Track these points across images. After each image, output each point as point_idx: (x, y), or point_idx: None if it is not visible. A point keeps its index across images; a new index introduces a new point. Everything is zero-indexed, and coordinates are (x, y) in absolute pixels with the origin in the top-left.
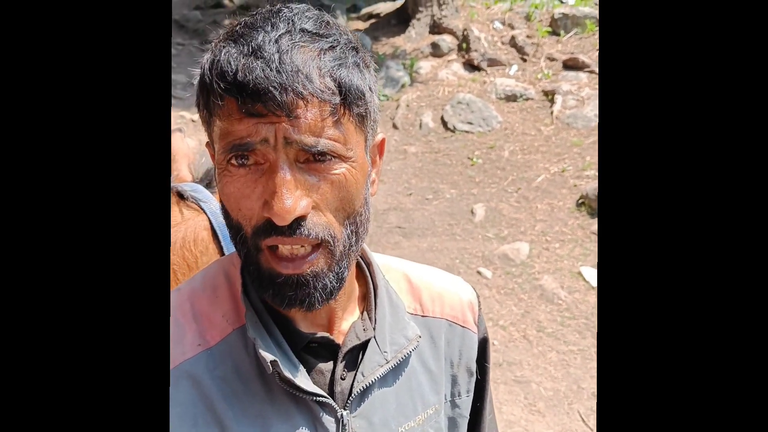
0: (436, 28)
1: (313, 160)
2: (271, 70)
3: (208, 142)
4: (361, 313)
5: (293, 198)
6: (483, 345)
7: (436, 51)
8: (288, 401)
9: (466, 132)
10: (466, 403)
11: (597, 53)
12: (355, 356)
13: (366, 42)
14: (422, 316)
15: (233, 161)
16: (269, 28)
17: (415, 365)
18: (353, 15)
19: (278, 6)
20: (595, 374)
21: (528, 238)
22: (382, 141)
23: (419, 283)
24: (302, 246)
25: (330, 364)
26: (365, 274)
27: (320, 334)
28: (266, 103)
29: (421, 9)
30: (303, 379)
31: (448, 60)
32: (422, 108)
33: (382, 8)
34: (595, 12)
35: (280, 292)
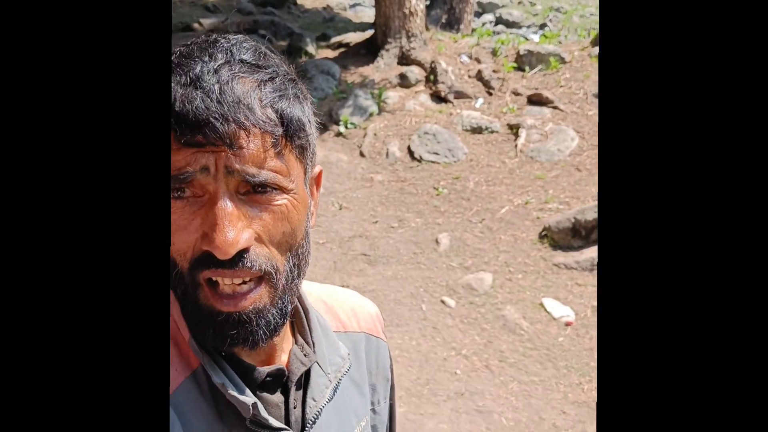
0: (404, 60)
1: (253, 191)
2: (211, 100)
3: None
4: (294, 338)
5: (235, 230)
6: (389, 352)
7: (404, 82)
8: None
9: (433, 162)
10: (384, 408)
11: (560, 89)
12: (299, 383)
13: (335, 70)
14: (344, 332)
15: (174, 195)
16: (207, 58)
17: (345, 382)
18: (323, 43)
19: (214, 36)
20: (556, 406)
21: (491, 269)
22: (320, 173)
23: (333, 302)
24: (244, 281)
25: (279, 395)
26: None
27: (272, 367)
28: (206, 134)
29: (390, 40)
30: (270, 418)
31: (416, 91)
32: (389, 137)
33: (352, 38)
34: (559, 50)
35: (222, 331)
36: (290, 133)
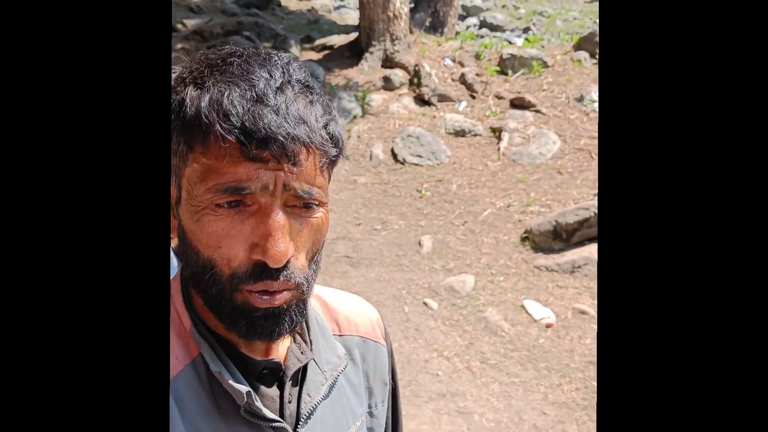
0: (388, 63)
1: (300, 205)
2: (279, 117)
3: None
4: (293, 336)
5: (286, 242)
6: (391, 357)
7: (387, 84)
8: (246, 430)
9: (416, 165)
10: (382, 412)
11: (543, 93)
12: (296, 379)
13: (319, 73)
14: (340, 335)
15: (223, 203)
16: (266, 74)
17: (341, 381)
18: (307, 45)
19: (263, 50)
20: (536, 406)
21: (473, 271)
22: None
23: (333, 304)
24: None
25: (275, 389)
26: None
27: (270, 360)
28: (273, 150)
29: (374, 43)
30: (264, 408)
31: (400, 94)
32: (373, 140)
33: (336, 40)
34: (542, 54)
35: (255, 324)
36: (341, 152)
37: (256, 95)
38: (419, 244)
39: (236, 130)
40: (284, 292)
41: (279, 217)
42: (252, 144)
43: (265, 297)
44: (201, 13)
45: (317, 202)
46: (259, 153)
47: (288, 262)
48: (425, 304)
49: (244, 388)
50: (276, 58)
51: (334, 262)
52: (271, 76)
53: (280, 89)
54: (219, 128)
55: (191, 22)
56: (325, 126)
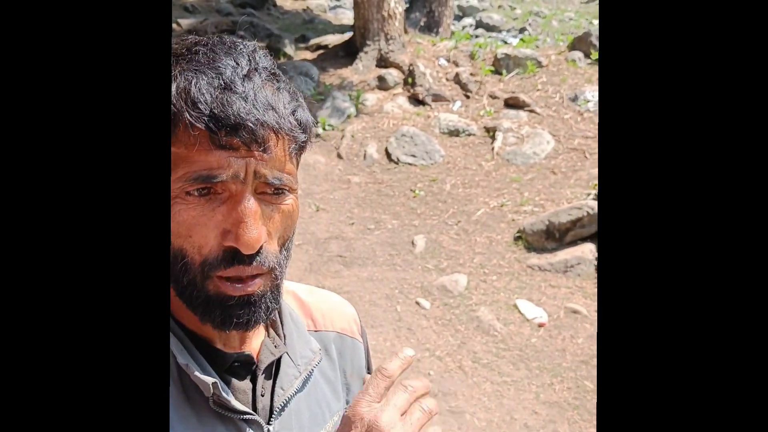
0: (382, 62)
1: (270, 192)
2: (248, 104)
3: None
4: (267, 330)
5: (258, 228)
6: (367, 353)
7: (382, 84)
8: (217, 423)
9: (410, 164)
10: None
11: (537, 93)
12: (269, 372)
13: (313, 72)
14: (315, 330)
15: (193, 192)
16: (232, 62)
17: (317, 376)
18: (302, 45)
19: (227, 39)
20: (528, 406)
21: (466, 270)
22: None
23: (308, 300)
24: None
25: (248, 382)
26: None
27: (241, 353)
28: (243, 137)
29: (368, 43)
30: (233, 400)
31: (394, 93)
32: (367, 139)
33: (331, 40)
34: (536, 54)
35: (229, 313)
36: (309, 138)
37: (224, 83)
38: (412, 243)
39: (205, 118)
40: (257, 279)
41: (250, 204)
42: (222, 131)
43: (238, 285)
44: (196, 13)
45: (288, 188)
46: (229, 140)
47: (261, 247)
48: (418, 303)
49: (210, 380)
50: (241, 46)
51: (327, 262)
52: (237, 63)
53: (247, 76)
54: (188, 116)
55: (186, 22)
56: (293, 112)
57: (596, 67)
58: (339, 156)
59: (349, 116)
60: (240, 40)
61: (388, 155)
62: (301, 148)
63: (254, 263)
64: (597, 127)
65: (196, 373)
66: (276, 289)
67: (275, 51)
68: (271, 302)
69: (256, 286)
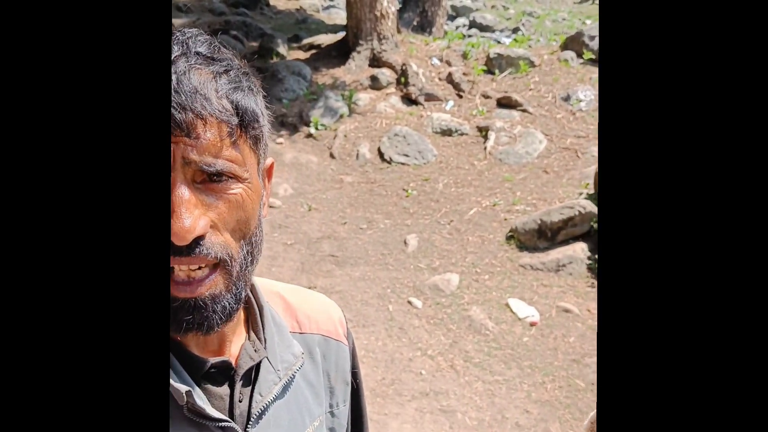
0: (375, 62)
1: (209, 180)
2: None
3: None
4: (248, 334)
5: (192, 217)
6: (353, 356)
7: (375, 84)
8: (193, 430)
9: (402, 164)
10: (343, 412)
11: (529, 93)
12: (248, 378)
13: (306, 72)
14: (300, 333)
15: None
16: None
17: (298, 380)
18: (294, 45)
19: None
20: (519, 405)
21: (458, 270)
22: (272, 165)
23: (293, 302)
24: (199, 267)
25: (225, 388)
26: (248, 295)
27: (218, 358)
28: None
29: (361, 42)
30: (208, 407)
31: (387, 93)
32: (360, 139)
33: (323, 39)
34: (529, 53)
35: (177, 317)
36: (245, 123)
37: None
38: (405, 243)
39: None
40: (206, 280)
41: (181, 192)
42: None
43: (183, 287)
44: (189, 13)
45: (230, 176)
46: None
47: (201, 237)
48: (410, 302)
49: (183, 388)
50: (179, 33)
51: (319, 261)
52: None
53: (172, 62)
54: None
55: (179, 22)
56: (227, 96)
57: (588, 67)
58: (331, 156)
59: (341, 116)
60: (183, 29)
61: (381, 155)
62: (253, 137)
63: (194, 254)
64: (589, 126)
65: (170, 381)
66: (235, 287)
67: (268, 50)
68: (229, 302)
69: (205, 288)
